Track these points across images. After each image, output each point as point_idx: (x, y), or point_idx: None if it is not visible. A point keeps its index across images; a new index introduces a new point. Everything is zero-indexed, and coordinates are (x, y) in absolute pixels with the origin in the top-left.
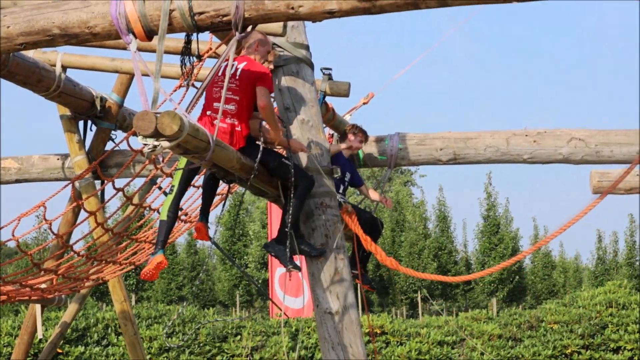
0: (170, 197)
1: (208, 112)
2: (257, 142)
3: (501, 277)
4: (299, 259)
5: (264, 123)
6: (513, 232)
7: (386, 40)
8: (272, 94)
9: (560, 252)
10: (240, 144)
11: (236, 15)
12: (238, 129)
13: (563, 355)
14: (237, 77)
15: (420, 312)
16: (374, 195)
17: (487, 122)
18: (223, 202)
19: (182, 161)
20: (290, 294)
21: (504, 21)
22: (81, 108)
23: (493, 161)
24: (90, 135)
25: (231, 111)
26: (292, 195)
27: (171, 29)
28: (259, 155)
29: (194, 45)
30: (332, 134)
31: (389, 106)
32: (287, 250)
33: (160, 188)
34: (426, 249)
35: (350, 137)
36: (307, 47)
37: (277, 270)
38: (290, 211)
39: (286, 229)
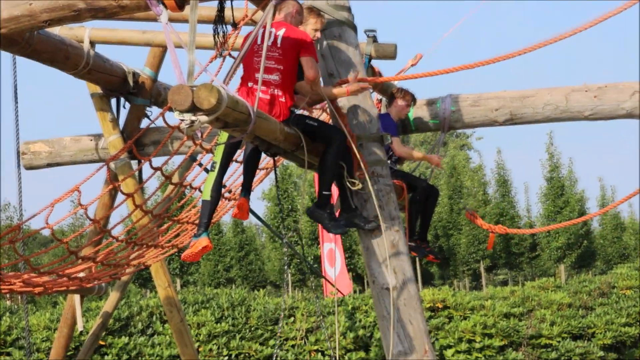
0: (213, 174)
1: (249, 84)
2: (295, 110)
3: (568, 242)
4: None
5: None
6: (578, 193)
7: None
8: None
9: (630, 212)
10: (284, 115)
11: None
12: (282, 99)
13: (638, 323)
14: (278, 45)
15: (484, 283)
16: (417, 154)
17: (545, 80)
18: (269, 175)
19: (223, 135)
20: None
21: None
22: (113, 85)
23: (552, 119)
24: (124, 113)
25: (275, 81)
26: (326, 151)
27: None
28: (307, 122)
29: (228, 13)
30: (381, 99)
31: (439, 67)
32: (327, 212)
33: (200, 165)
34: (487, 216)
35: (398, 100)
36: (348, 9)
37: (325, 246)
38: (324, 169)
39: (324, 191)
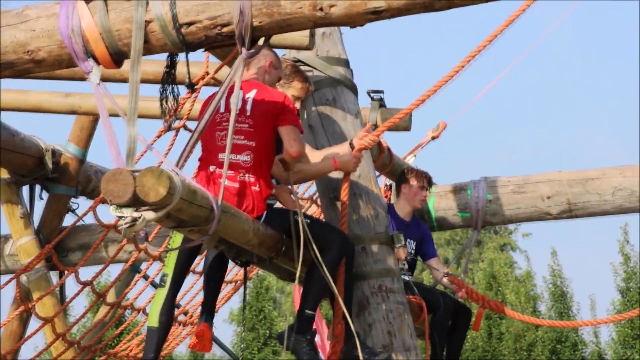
0: (162, 291)
1: (211, 168)
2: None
3: None
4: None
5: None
6: None
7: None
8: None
9: None
10: (259, 209)
11: (241, 23)
12: (255, 187)
13: None
14: (247, 113)
15: None
16: (439, 275)
17: (613, 157)
18: (239, 290)
19: (176, 238)
20: None
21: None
22: (25, 168)
23: (626, 210)
24: (39, 206)
25: (245, 164)
26: (317, 261)
27: (149, 48)
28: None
29: (182, 69)
30: (390, 185)
31: (467, 139)
32: (307, 341)
33: (146, 278)
34: (539, 343)
35: (410, 180)
36: (345, 63)
37: None
38: (312, 282)
39: (307, 311)
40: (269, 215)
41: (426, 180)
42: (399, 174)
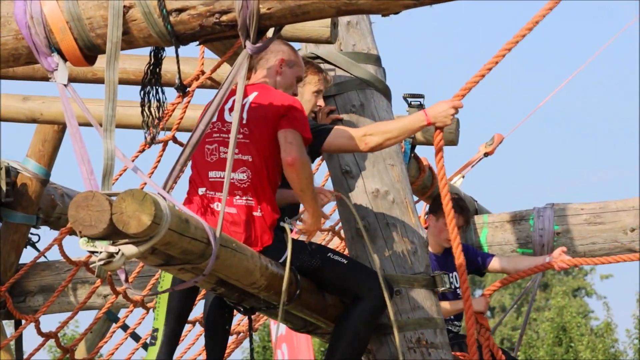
0: (154, 350)
1: (200, 190)
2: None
3: None
4: None
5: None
6: None
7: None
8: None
9: None
10: (264, 240)
11: (245, 10)
12: (257, 213)
13: None
14: (243, 121)
15: None
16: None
17: None
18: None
19: (166, 280)
20: None
21: None
22: None
23: None
24: None
25: (241, 183)
26: (350, 311)
27: (129, 40)
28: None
29: (169, 67)
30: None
31: (529, 156)
32: None
33: (124, 329)
34: None
35: (441, 218)
36: (376, 60)
37: None
38: (343, 339)
39: None
40: (276, 248)
41: (462, 219)
42: (432, 200)
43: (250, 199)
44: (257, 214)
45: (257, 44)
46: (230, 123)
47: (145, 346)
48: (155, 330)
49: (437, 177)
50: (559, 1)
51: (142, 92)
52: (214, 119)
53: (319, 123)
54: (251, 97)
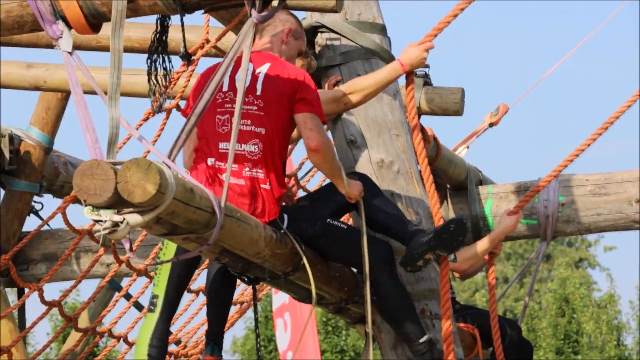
0: (152, 317)
1: (210, 160)
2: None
3: None
4: None
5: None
6: None
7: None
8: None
9: None
10: (271, 212)
11: None
12: (265, 186)
13: None
14: (258, 93)
15: None
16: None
17: None
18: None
19: (169, 249)
20: None
21: None
22: None
23: None
24: None
25: (252, 155)
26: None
27: (134, 8)
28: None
29: (174, 35)
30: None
31: (534, 126)
32: None
33: (127, 298)
34: None
35: None
36: (382, 29)
37: None
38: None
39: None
40: (283, 220)
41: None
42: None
43: (260, 171)
44: (265, 186)
45: (263, 12)
46: (246, 94)
47: (139, 309)
48: (155, 296)
49: (441, 148)
50: None
51: (148, 60)
52: (225, 89)
53: None
54: (264, 69)
